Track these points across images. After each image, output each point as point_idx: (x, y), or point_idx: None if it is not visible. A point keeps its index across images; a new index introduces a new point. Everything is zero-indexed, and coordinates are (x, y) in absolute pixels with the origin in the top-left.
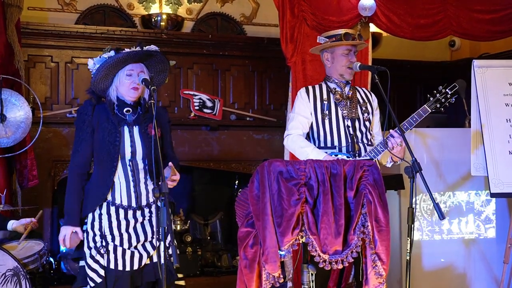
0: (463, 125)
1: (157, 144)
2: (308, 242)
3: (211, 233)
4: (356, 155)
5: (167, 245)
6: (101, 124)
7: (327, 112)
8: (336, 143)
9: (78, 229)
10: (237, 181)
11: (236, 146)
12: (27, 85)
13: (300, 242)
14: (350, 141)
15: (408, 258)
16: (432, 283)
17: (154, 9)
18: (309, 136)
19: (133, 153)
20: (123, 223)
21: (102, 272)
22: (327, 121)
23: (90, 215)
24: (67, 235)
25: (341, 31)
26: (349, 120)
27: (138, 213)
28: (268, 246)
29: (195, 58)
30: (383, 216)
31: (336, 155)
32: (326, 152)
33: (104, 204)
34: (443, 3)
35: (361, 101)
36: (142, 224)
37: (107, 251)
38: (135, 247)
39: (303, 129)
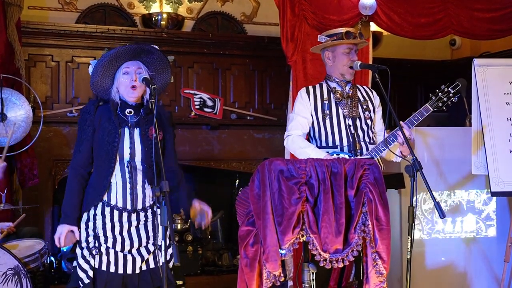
0: (463, 124)
1: (157, 145)
2: (309, 241)
3: (212, 232)
4: (358, 154)
5: (167, 244)
6: (102, 124)
7: (327, 111)
8: (337, 142)
9: (75, 229)
10: (237, 180)
11: (236, 145)
12: (28, 84)
13: (301, 241)
14: (351, 140)
15: (408, 257)
16: (433, 281)
17: (155, 8)
18: (310, 136)
19: (132, 155)
20: (117, 225)
21: (91, 273)
22: (327, 121)
23: (85, 215)
24: (62, 233)
25: (342, 29)
26: (350, 119)
27: (133, 216)
28: (269, 245)
29: (196, 57)
30: (383, 215)
31: (338, 155)
32: (328, 152)
33: (100, 204)
34: (443, 2)
35: (362, 99)
36: (137, 228)
37: (100, 252)
38: (129, 251)
39: (302, 130)
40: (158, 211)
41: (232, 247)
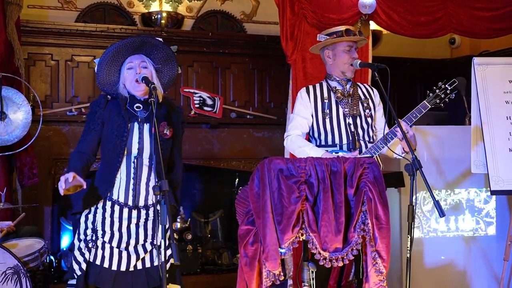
0: (463, 123)
1: (157, 142)
2: (309, 239)
3: (212, 231)
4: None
5: (167, 243)
6: (111, 118)
7: (328, 111)
8: (337, 141)
9: (80, 178)
10: (237, 179)
11: (236, 144)
12: (27, 83)
13: (301, 239)
14: (351, 139)
15: (408, 255)
16: (433, 280)
17: (154, 7)
18: (310, 136)
19: (140, 150)
20: (116, 221)
21: (84, 265)
22: (327, 120)
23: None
24: (69, 177)
25: (342, 27)
26: (350, 118)
27: (134, 213)
28: (269, 244)
29: (195, 56)
30: (383, 213)
31: (337, 153)
32: (327, 150)
33: None
34: (443, 0)
35: (362, 97)
36: (137, 225)
37: (95, 246)
38: (125, 248)
39: (302, 130)
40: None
41: (232, 246)
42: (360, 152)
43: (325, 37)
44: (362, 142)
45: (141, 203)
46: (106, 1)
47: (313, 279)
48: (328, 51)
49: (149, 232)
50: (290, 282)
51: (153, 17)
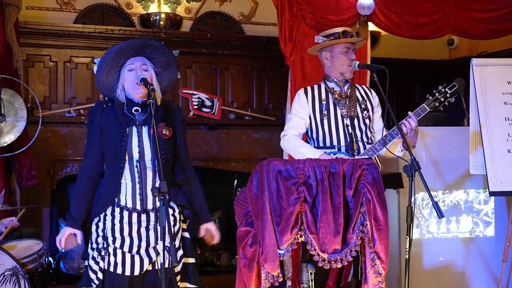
0: (462, 124)
1: (156, 144)
2: (307, 241)
3: None
4: (355, 154)
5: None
6: (109, 125)
7: (325, 112)
8: (335, 142)
9: (78, 232)
10: (236, 180)
11: (235, 145)
12: (26, 85)
13: (299, 241)
14: (349, 140)
15: (407, 256)
16: (431, 281)
17: (153, 8)
18: (308, 137)
19: (141, 153)
20: (126, 227)
21: (100, 275)
22: (325, 121)
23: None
24: (64, 235)
25: (339, 29)
26: (348, 119)
27: (143, 217)
28: (267, 245)
29: (194, 57)
30: (382, 215)
31: (335, 154)
32: (325, 152)
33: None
34: (441, 1)
35: (360, 99)
36: (147, 229)
37: (108, 253)
38: (137, 252)
39: (299, 130)
40: (170, 211)
41: (231, 247)
42: (358, 153)
43: (322, 38)
44: (360, 144)
45: (150, 206)
46: (105, 2)
47: (312, 280)
48: (326, 52)
49: (159, 235)
50: (289, 283)
51: (151, 18)
